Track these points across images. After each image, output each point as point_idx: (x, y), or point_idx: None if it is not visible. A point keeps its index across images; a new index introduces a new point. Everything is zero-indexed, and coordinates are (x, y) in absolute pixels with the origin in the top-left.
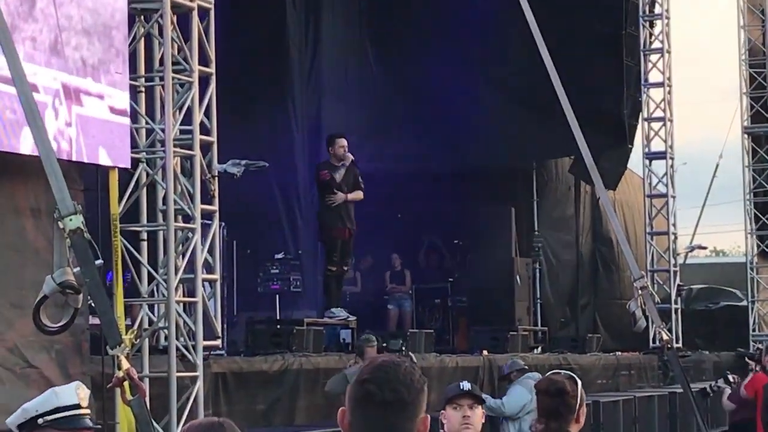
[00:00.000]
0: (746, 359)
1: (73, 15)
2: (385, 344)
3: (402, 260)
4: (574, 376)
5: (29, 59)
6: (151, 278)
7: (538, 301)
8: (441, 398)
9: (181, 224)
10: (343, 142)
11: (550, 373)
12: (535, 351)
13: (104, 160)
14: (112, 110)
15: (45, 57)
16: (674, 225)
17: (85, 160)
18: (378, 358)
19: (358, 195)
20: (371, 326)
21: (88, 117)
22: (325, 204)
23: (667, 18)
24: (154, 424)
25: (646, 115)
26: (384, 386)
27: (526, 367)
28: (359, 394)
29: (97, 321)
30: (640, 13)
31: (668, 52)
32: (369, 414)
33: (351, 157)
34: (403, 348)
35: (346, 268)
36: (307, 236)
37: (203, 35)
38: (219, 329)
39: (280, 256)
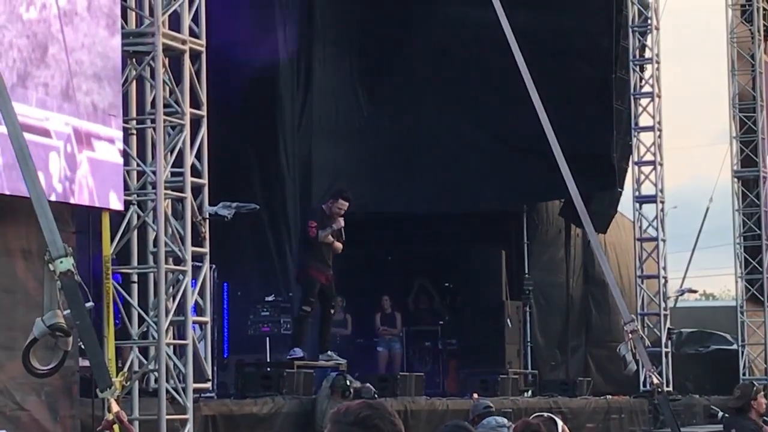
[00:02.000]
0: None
1: (84, 60)
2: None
3: (392, 302)
4: (555, 418)
5: (41, 105)
6: (141, 320)
7: (529, 344)
8: None
9: (172, 266)
10: (346, 205)
11: (533, 416)
12: (526, 394)
13: (114, 204)
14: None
15: (57, 102)
16: (664, 268)
17: (97, 204)
18: (355, 402)
19: (338, 246)
20: (361, 369)
21: (99, 161)
22: (307, 247)
23: (657, 62)
24: None
25: (636, 159)
26: (385, 420)
27: (491, 407)
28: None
29: (87, 363)
30: (630, 57)
31: (658, 96)
32: None
33: (342, 223)
34: (375, 395)
35: (333, 312)
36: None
37: (195, 78)
38: (209, 371)
39: (270, 298)
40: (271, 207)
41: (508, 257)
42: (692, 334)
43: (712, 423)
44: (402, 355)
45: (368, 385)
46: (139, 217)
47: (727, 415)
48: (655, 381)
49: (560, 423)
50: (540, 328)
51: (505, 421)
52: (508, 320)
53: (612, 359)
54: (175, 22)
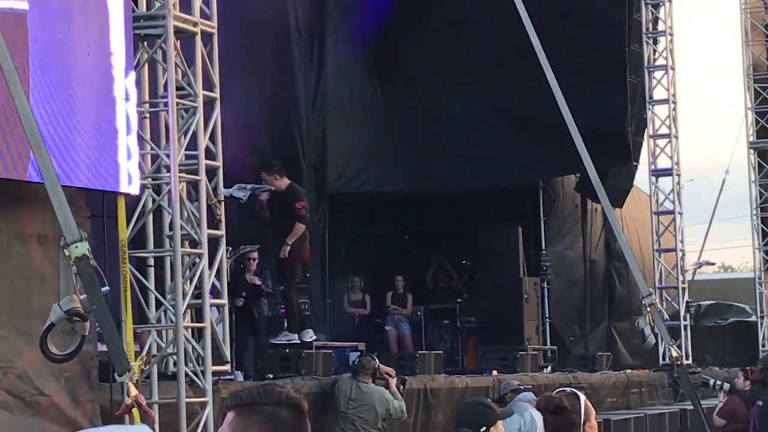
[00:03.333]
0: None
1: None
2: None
3: (406, 282)
4: (577, 392)
5: None
6: (158, 304)
7: (547, 320)
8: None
9: (188, 249)
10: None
11: (556, 390)
12: (545, 370)
13: None
14: None
15: None
16: (682, 241)
17: None
18: (253, 387)
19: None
20: (376, 349)
21: None
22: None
23: (671, 35)
24: None
25: (651, 132)
26: (299, 397)
27: (521, 386)
28: (285, 413)
29: (105, 348)
30: (644, 31)
31: (672, 68)
32: (298, 428)
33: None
34: (405, 378)
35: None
36: (315, 260)
37: (207, 60)
38: (227, 354)
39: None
40: None
41: (525, 234)
42: (711, 306)
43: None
44: (411, 336)
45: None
46: (154, 200)
47: (719, 383)
48: (674, 354)
49: (583, 397)
50: (558, 303)
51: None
52: (526, 297)
53: (636, 332)
54: (185, 4)
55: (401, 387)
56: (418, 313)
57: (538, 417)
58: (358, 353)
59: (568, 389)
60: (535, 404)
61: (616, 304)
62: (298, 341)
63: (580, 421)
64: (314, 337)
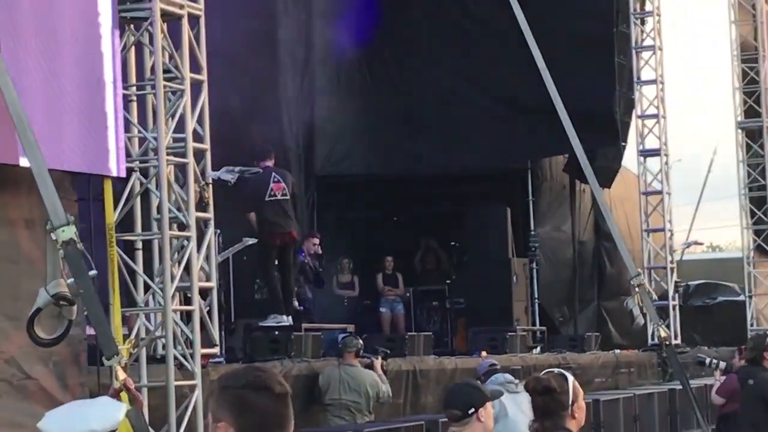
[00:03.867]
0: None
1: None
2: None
3: (395, 263)
4: (565, 372)
5: None
6: (147, 287)
7: (536, 300)
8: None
9: (176, 232)
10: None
11: (543, 371)
12: (534, 351)
13: None
14: None
15: None
16: (670, 222)
17: None
18: (240, 366)
19: None
20: (367, 330)
21: None
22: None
23: (658, 15)
24: None
25: (639, 113)
26: (273, 381)
27: (494, 366)
28: (251, 395)
29: (93, 331)
30: (631, 11)
31: (660, 49)
32: (267, 410)
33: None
34: (387, 351)
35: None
36: (304, 241)
37: (194, 42)
38: (216, 337)
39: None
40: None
41: (514, 215)
42: (699, 286)
43: (702, 372)
44: (404, 316)
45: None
46: (141, 183)
47: (715, 361)
48: (663, 334)
49: (571, 378)
50: (547, 284)
51: (512, 377)
52: (515, 277)
53: (625, 312)
54: None
55: (384, 364)
56: (407, 294)
57: (508, 401)
58: (345, 334)
59: (556, 370)
60: (524, 386)
61: (606, 285)
62: (288, 324)
63: (569, 401)
64: (283, 322)
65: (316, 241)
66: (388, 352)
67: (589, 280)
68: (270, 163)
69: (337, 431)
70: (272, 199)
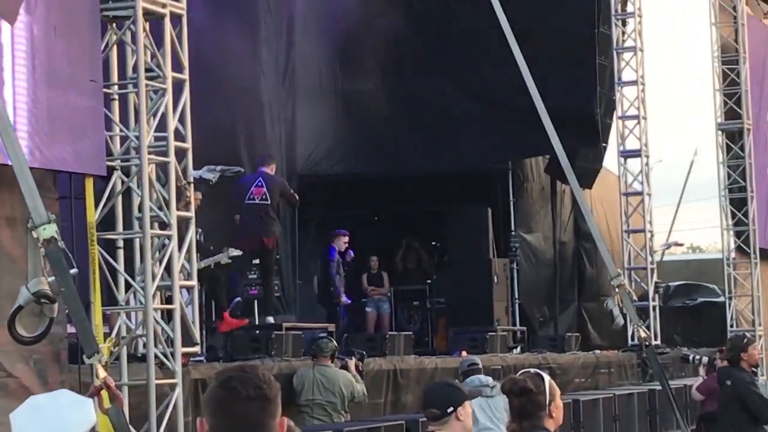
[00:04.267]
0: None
1: None
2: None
3: (379, 262)
4: (541, 372)
5: None
6: (128, 286)
7: (517, 300)
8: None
9: (158, 231)
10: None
11: (519, 372)
12: (515, 351)
13: None
14: None
15: None
16: (650, 222)
17: None
18: (232, 365)
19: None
20: (349, 330)
21: None
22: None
23: (640, 16)
24: None
25: (620, 114)
26: (247, 384)
27: (474, 365)
28: (221, 394)
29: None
30: (613, 12)
31: (641, 50)
32: (234, 412)
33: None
34: (363, 353)
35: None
36: (286, 241)
37: (176, 41)
38: (197, 335)
39: (258, 261)
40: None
41: (495, 215)
42: (679, 287)
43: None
44: (390, 315)
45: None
46: (123, 182)
47: (698, 358)
48: (643, 335)
49: (547, 377)
50: (527, 284)
51: (490, 380)
52: (496, 277)
53: (605, 312)
54: None
55: (360, 365)
56: (388, 294)
57: (480, 410)
58: (321, 336)
59: (532, 370)
60: (500, 387)
61: (585, 286)
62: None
63: (546, 401)
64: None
65: (346, 239)
66: (364, 354)
67: (570, 281)
68: (268, 169)
69: (318, 430)
70: (250, 202)
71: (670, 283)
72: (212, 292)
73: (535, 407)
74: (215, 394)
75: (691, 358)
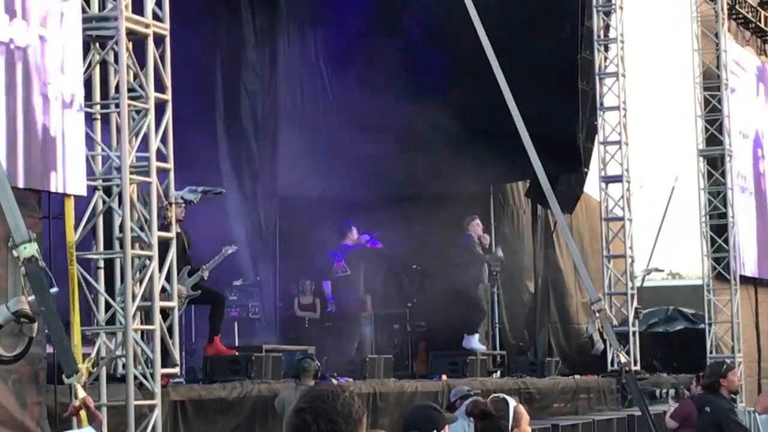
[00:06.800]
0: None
1: None
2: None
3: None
4: (507, 398)
5: None
6: (108, 306)
7: (497, 325)
8: (400, 423)
9: (138, 251)
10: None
11: (490, 396)
12: (494, 375)
13: None
14: None
15: None
16: (631, 248)
17: None
18: (317, 387)
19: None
20: (330, 352)
21: None
22: None
23: (622, 42)
24: None
25: (602, 139)
26: (320, 417)
27: (470, 392)
28: (295, 423)
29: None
30: (595, 38)
31: (623, 75)
32: None
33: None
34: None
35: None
36: (266, 263)
37: (159, 61)
38: (177, 357)
39: (238, 282)
40: (242, 189)
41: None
42: (659, 312)
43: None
44: (371, 338)
45: None
46: (104, 202)
47: (665, 391)
48: (623, 360)
49: (513, 403)
50: (507, 309)
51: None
52: None
53: (570, 342)
54: (138, 5)
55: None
56: (370, 317)
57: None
58: (302, 356)
59: (501, 395)
60: (464, 410)
61: (552, 315)
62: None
63: (508, 426)
64: None
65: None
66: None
67: (542, 309)
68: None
69: None
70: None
71: (650, 309)
72: (213, 313)
73: (496, 431)
74: (291, 420)
75: (657, 393)
